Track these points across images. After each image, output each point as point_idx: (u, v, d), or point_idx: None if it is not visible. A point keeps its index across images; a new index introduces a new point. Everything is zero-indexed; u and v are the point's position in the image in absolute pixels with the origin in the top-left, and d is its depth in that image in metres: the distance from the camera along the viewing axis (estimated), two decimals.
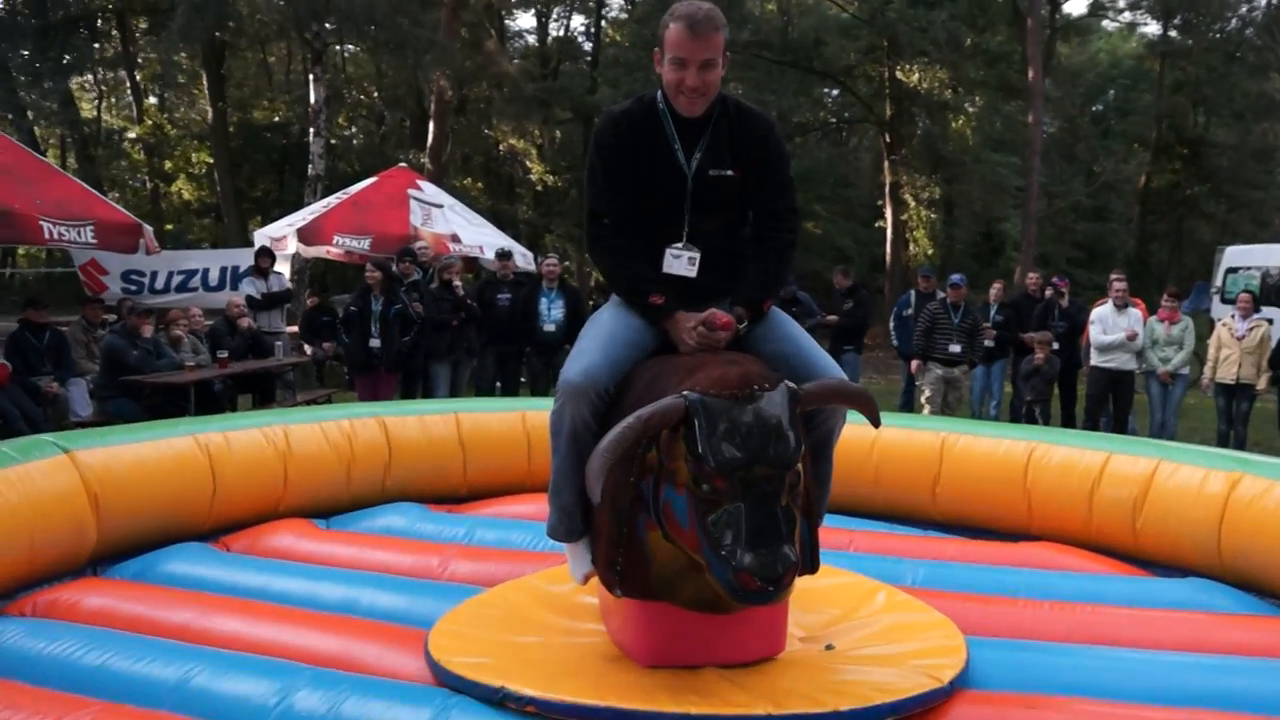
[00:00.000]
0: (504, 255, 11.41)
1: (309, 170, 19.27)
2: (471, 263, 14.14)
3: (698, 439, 2.69)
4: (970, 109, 26.19)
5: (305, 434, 5.27)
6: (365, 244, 14.13)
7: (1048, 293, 11.25)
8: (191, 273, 14.55)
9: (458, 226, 15.12)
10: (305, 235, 13.62)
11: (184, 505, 4.82)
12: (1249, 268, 17.71)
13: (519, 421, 5.96)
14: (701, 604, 3.09)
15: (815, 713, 2.84)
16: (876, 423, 3.21)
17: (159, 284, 14.24)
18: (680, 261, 3.31)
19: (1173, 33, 29.26)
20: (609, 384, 3.20)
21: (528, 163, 28.44)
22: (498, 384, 10.89)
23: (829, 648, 3.45)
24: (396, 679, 3.29)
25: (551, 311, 10.40)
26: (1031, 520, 5.21)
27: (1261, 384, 9.59)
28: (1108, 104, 29.53)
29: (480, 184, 27.80)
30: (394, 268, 10.61)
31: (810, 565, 3.19)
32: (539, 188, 29.65)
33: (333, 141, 24.13)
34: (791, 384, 2.85)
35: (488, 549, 4.77)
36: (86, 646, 3.45)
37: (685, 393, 2.76)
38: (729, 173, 3.27)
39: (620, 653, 3.34)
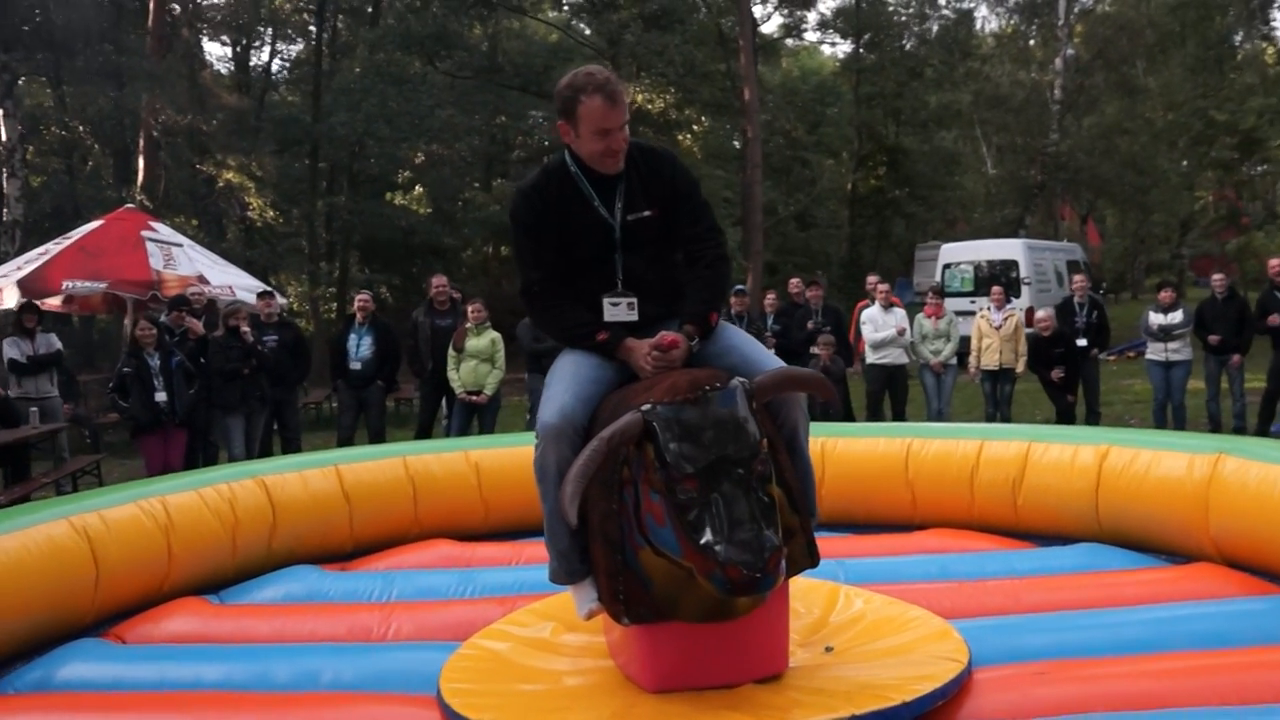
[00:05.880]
0: (266, 295, 10.97)
1: (3, 215, 17.71)
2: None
3: (662, 447, 2.79)
4: (696, 128, 27.29)
5: (184, 503, 4.88)
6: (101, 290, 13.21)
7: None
8: None
9: (202, 267, 14.35)
10: (28, 285, 12.53)
11: (67, 598, 4.34)
12: (962, 263, 19.42)
13: (401, 468, 5.78)
14: (706, 614, 3.14)
15: (888, 707, 2.97)
16: (832, 404, 3.41)
17: None
18: (619, 309, 3.47)
19: (862, 50, 31.69)
20: (584, 420, 3.29)
21: (246, 198, 27.13)
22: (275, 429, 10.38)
23: (829, 649, 3.60)
24: None
25: (360, 349, 10.10)
26: (916, 510, 5.58)
27: (1020, 367, 10.59)
28: (809, 118, 31.55)
29: (195, 221, 26.21)
30: (163, 318, 9.97)
31: (810, 559, 3.34)
32: (259, 223, 28.35)
33: (35, 183, 22.08)
34: (743, 379, 3.00)
35: (419, 603, 4.60)
36: None
37: (643, 407, 2.86)
38: (647, 213, 3.44)
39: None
